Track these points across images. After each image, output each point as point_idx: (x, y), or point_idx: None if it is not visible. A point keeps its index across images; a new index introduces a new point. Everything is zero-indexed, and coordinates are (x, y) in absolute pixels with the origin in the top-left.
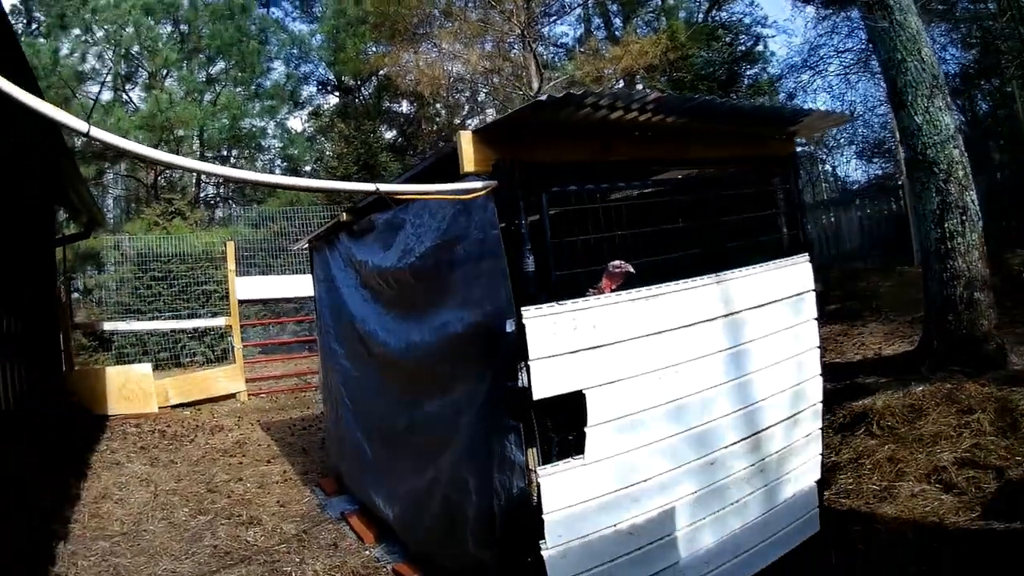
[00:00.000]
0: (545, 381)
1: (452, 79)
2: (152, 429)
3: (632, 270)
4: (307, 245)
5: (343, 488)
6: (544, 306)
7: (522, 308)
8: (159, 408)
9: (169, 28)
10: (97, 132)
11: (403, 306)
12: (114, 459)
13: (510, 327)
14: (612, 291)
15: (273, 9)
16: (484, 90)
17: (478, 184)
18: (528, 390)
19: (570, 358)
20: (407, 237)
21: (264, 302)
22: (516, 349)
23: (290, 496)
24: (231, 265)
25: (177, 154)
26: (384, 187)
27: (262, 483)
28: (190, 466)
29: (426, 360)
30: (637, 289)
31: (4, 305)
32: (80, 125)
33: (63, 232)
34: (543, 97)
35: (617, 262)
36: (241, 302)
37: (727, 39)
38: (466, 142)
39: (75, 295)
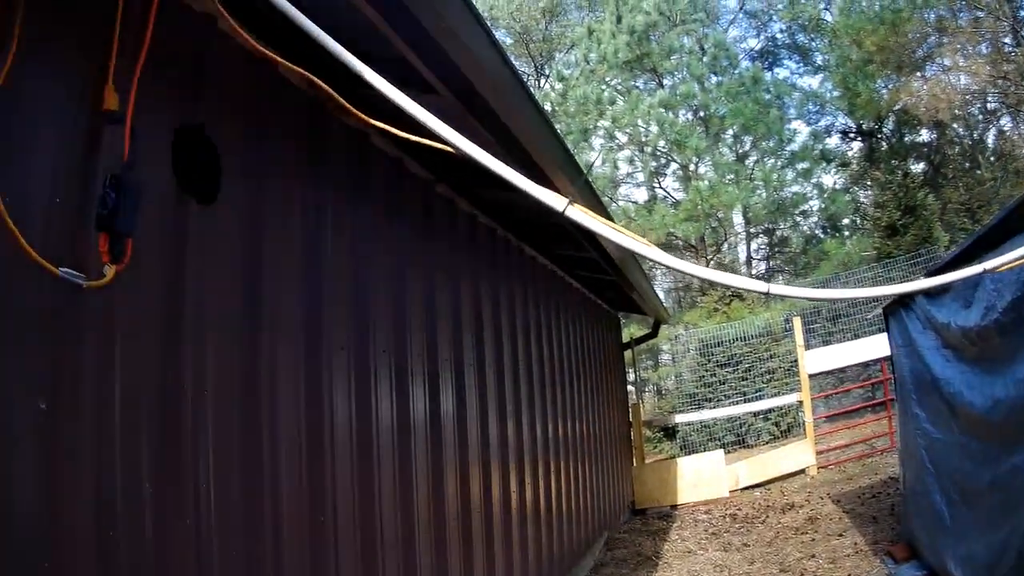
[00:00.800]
0: None
1: (963, 94)
2: (723, 514)
3: None
4: (881, 311)
5: (913, 554)
6: None
7: None
8: (729, 492)
9: (690, 116)
10: (777, 288)
11: (986, 363)
12: (685, 547)
13: None
14: None
15: (777, 70)
16: (992, 97)
17: None
18: None
19: None
20: (987, 294)
21: (830, 372)
22: None
23: (860, 568)
24: (799, 340)
25: (725, 237)
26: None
27: (833, 558)
28: (763, 547)
29: (1010, 414)
30: None
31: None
32: (760, 286)
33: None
34: None
35: None
36: (811, 375)
37: None
38: None
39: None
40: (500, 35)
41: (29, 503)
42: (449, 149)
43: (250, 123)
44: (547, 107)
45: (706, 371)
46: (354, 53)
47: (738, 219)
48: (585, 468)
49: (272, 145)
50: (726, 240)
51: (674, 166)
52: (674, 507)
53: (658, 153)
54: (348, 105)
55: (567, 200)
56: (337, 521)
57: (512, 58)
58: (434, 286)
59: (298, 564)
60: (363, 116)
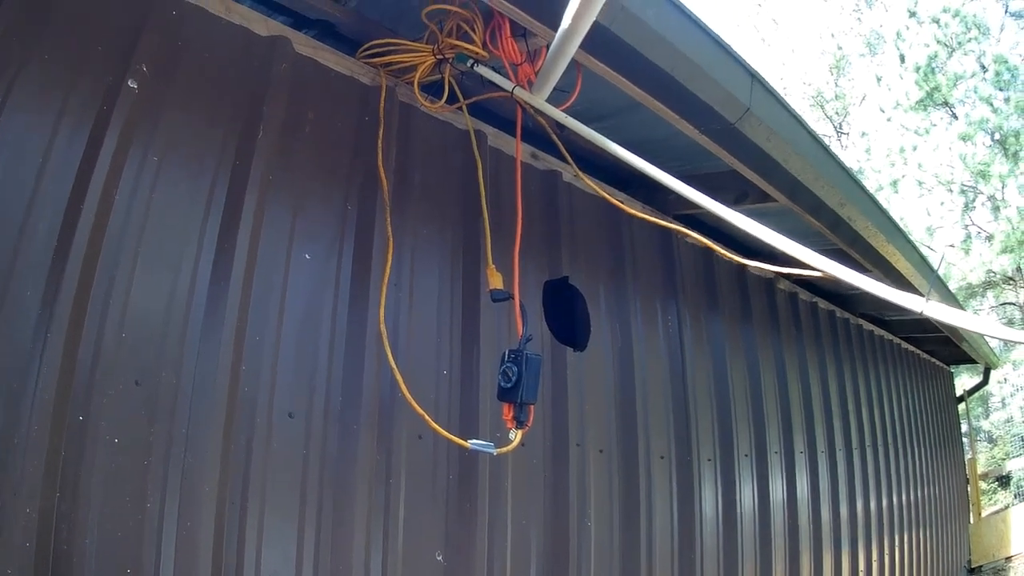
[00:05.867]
0: None
1: None
2: None
3: None
4: None
5: None
6: None
7: None
8: None
9: (987, 141)
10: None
11: None
12: None
13: None
14: None
15: None
16: None
17: None
18: None
19: None
20: None
21: None
22: None
23: None
24: None
25: None
26: None
27: None
28: None
29: None
30: None
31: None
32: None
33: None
34: None
35: None
36: None
37: None
38: None
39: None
40: (795, 103)
41: None
42: (816, 273)
43: (606, 264)
44: (855, 166)
45: None
46: (685, 172)
47: None
48: (921, 536)
49: (629, 280)
50: None
51: (981, 198)
52: (1008, 559)
53: (964, 188)
54: (713, 245)
55: (923, 298)
56: None
57: (812, 124)
58: (786, 376)
59: None
60: (712, 244)
